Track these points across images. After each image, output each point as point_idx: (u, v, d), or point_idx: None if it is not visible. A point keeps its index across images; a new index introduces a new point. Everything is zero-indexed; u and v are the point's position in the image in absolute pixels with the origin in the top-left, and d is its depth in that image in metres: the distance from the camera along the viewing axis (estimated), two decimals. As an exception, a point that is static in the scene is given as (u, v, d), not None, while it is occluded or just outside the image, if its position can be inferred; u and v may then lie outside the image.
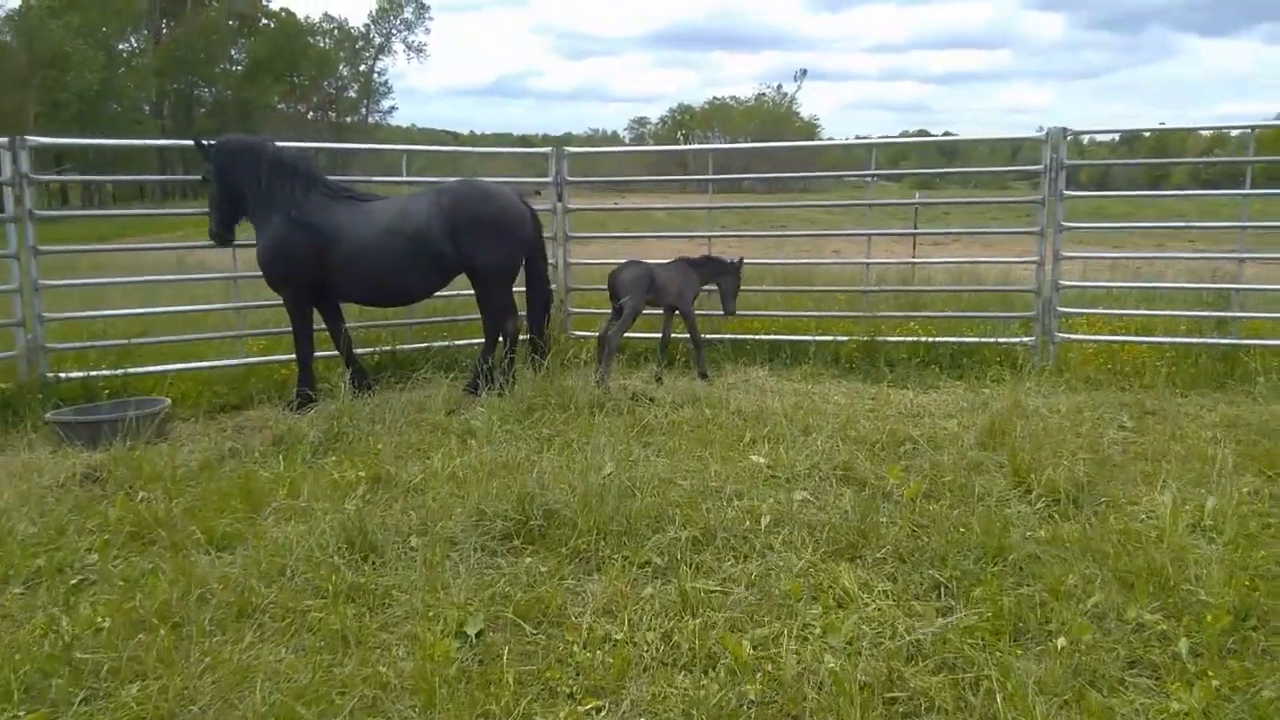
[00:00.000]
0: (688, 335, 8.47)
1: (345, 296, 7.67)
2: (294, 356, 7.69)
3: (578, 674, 3.39)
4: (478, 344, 8.65)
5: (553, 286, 8.77)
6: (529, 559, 4.32)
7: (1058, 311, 8.65)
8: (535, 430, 6.49)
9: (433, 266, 7.44)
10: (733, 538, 4.50)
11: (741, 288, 8.53)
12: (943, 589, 3.95)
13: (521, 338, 7.97)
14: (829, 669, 3.28)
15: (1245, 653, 3.38)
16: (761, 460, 5.69)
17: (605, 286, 10.08)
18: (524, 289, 8.04)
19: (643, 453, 5.96)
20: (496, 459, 5.72)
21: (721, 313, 8.56)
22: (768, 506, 4.85)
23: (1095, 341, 8.57)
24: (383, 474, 5.52)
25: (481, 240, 7.41)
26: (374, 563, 4.28)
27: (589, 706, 3.18)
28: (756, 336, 9.24)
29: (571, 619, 3.80)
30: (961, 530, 4.45)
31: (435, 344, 8.83)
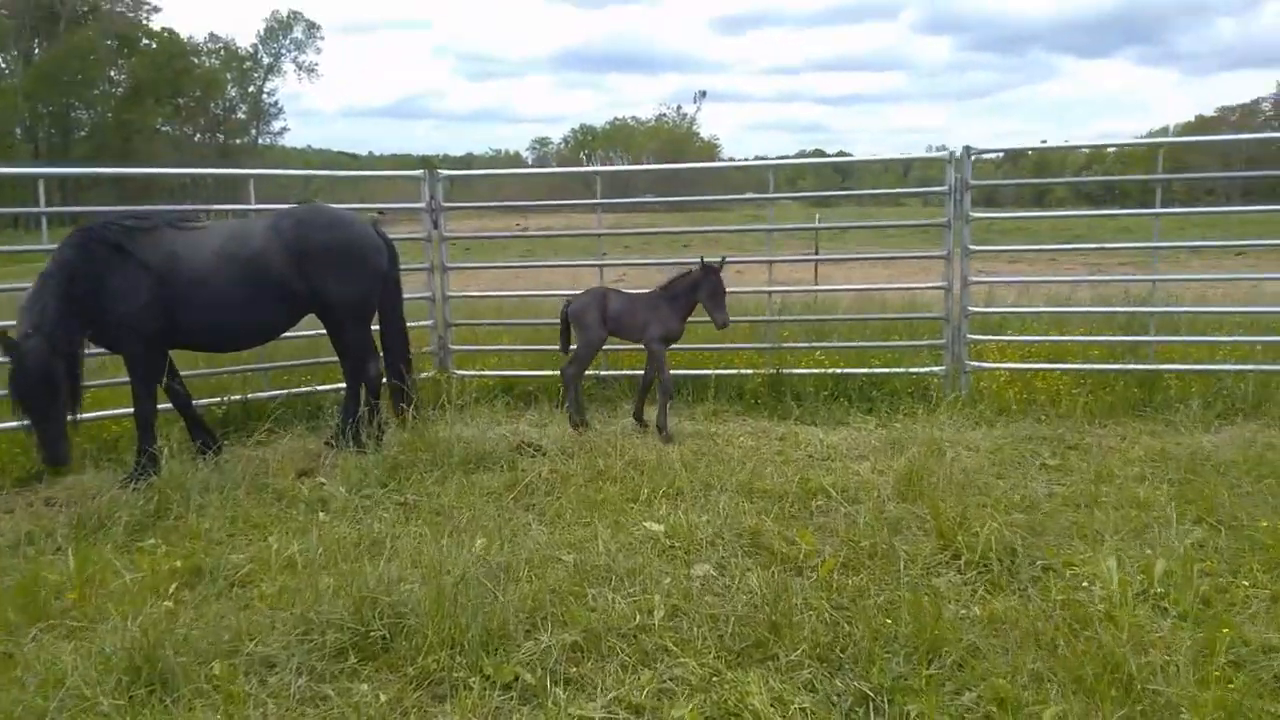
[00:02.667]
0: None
1: (190, 338, 6.49)
2: (129, 412, 6.56)
3: None
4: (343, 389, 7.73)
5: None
6: (364, 685, 3.46)
7: (967, 339, 8.20)
8: (400, 495, 5.62)
9: (275, 298, 6.40)
10: (620, 639, 3.73)
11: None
12: (870, 704, 3.25)
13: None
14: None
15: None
16: (658, 527, 4.95)
17: (491, 321, 9.25)
18: (379, 327, 7.07)
19: (523, 519, 5.17)
20: (348, 538, 4.84)
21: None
22: (663, 590, 4.11)
23: (1008, 369, 8.13)
24: (204, 564, 4.58)
25: (332, 271, 6.46)
26: (162, 700, 3.36)
27: None
28: (655, 372, 8.52)
29: (411, 773, 2.97)
30: (888, 619, 3.78)
31: (294, 390, 7.84)
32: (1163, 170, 8.36)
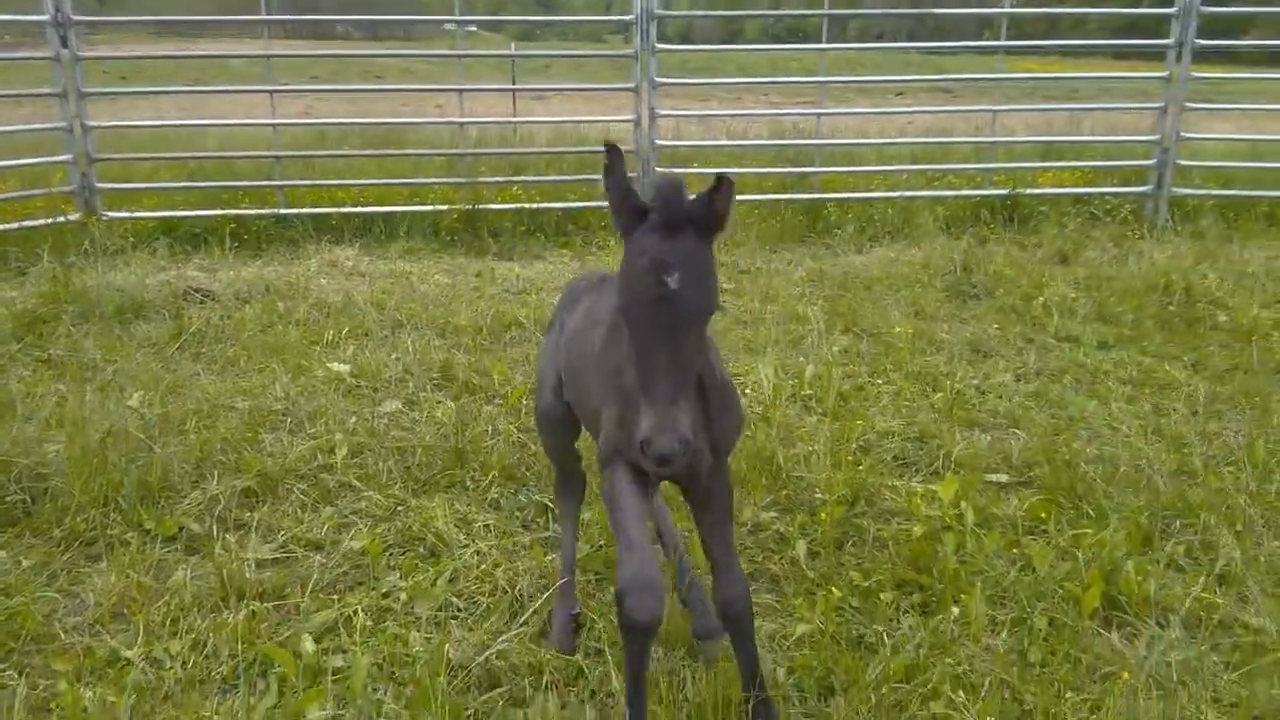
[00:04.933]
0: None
1: None
2: None
3: (61, 725, 2.40)
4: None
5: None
6: (2, 552, 3.12)
7: (655, 173, 8.43)
8: (40, 351, 4.99)
9: None
10: (299, 480, 3.61)
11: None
12: (550, 513, 3.41)
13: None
14: (417, 654, 2.61)
15: (860, 545, 3.22)
16: (344, 368, 4.78)
17: (144, 155, 8.26)
18: None
19: (190, 369, 4.79)
20: (-25, 400, 4.25)
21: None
22: (347, 430, 4.01)
23: (692, 201, 8.48)
24: None
25: None
26: None
27: (71, 784, 2.24)
28: (343, 210, 8.05)
29: (61, 637, 2.75)
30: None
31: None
32: (830, 7, 8.82)
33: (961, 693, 2.46)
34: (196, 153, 8.85)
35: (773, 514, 3.40)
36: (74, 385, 4.25)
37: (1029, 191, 8.53)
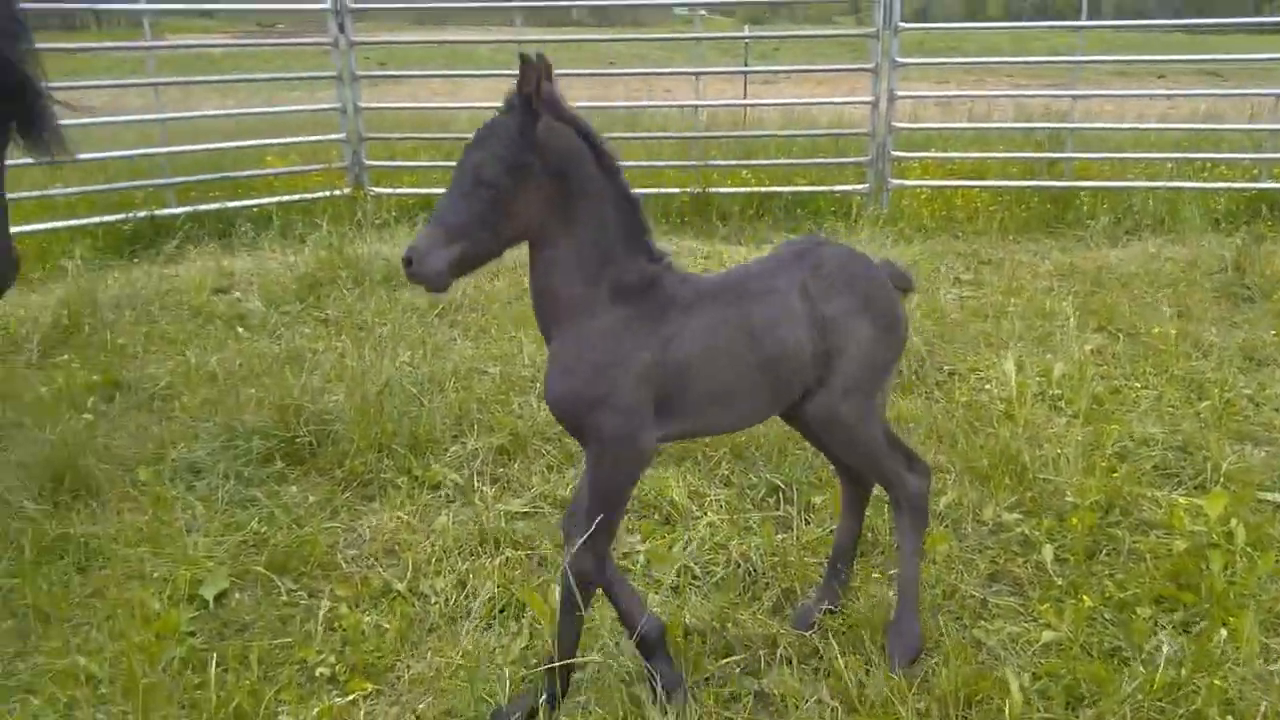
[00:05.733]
0: None
1: None
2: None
3: (344, 646, 2.69)
4: (253, 205, 7.48)
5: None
6: (293, 487, 3.53)
7: (892, 156, 8.21)
8: (319, 311, 5.55)
9: None
10: (546, 442, 3.84)
11: None
12: (780, 494, 3.44)
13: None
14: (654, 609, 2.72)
15: (1113, 557, 3.04)
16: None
17: (409, 135, 8.87)
18: None
19: (448, 335, 5.17)
20: (268, 352, 4.79)
21: None
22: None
23: (929, 187, 8.21)
24: (121, 378, 4.51)
25: None
26: (89, 505, 3.37)
27: (353, 695, 2.51)
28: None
29: (342, 567, 3.08)
30: (801, 419, 3.94)
31: (203, 206, 7.50)
32: (1093, -17, 8.23)
33: (1230, 718, 2.28)
34: (451, 134, 9.49)
35: (1017, 515, 3.26)
36: (351, 342, 4.71)
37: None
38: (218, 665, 2.47)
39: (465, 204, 2.04)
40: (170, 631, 2.68)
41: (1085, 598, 2.71)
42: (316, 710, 2.42)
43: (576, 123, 2.11)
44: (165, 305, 5.64)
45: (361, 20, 8.21)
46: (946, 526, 3.20)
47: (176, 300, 5.71)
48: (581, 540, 2.20)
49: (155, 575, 2.99)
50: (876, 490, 2.82)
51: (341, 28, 7.94)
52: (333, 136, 8.19)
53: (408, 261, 2.04)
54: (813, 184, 8.40)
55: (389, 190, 8.14)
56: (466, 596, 2.88)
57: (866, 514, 2.83)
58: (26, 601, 2.87)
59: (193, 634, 2.74)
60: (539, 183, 2.06)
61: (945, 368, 4.69)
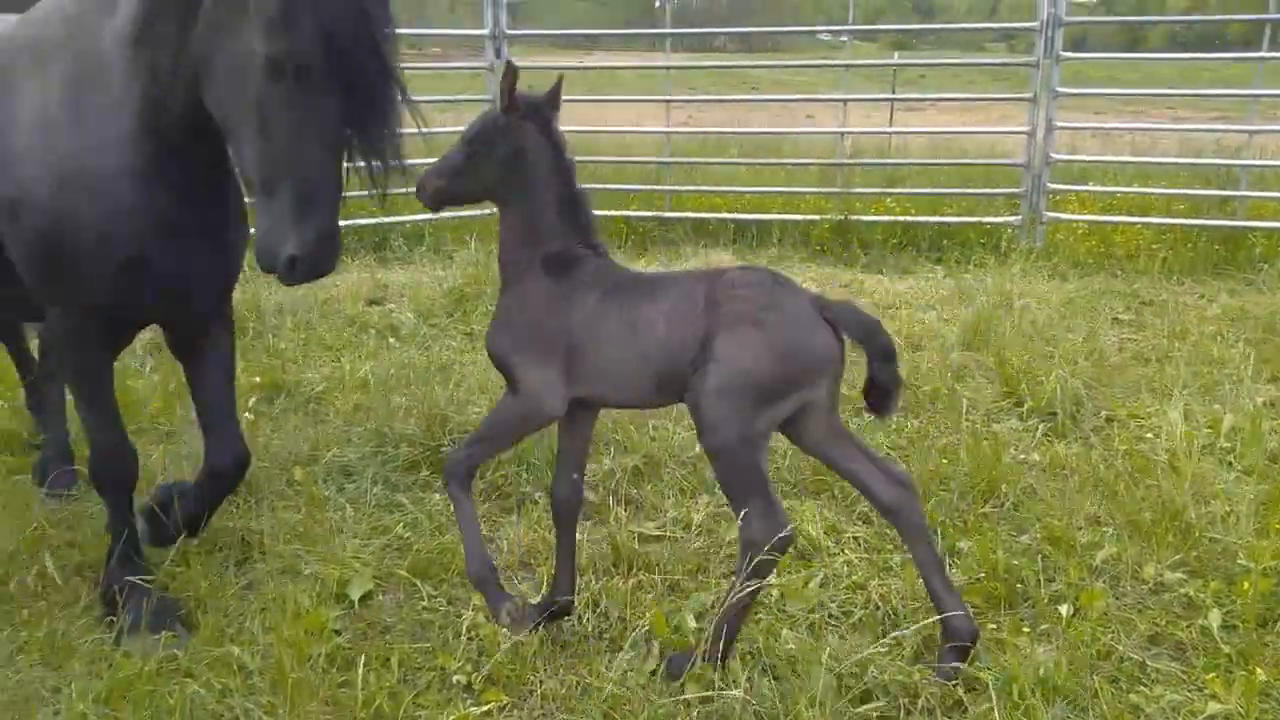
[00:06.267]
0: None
1: None
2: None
3: (480, 654, 2.74)
4: (406, 221, 7.80)
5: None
6: (437, 495, 3.63)
7: (1047, 188, 7.89)
8: (465, 325, 5.73)
9: None
10: (680, 466, 3.84)
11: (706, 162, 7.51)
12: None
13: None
14: (785, 651, 2.66)
15: (1290, 628, 2.80)
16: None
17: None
18: None
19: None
20: (417, 362, 4.98)
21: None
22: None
23: (1087, 222, 7.84)
24: (281, 381, 4.77)
25: None
26: (248, 500, 3.57)
27: (488, 705, 2.55)
28: (720, 216, 8.41)
29: (480, 576, 3.14)
30: (945, 460, 3.81)
31: (359, 221, 7.88)
32: (1276, 10, 7.71)
33: None
34: (593, 157, 9.67)
35: (1180, 575, 3.05)
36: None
37: None
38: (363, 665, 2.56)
39: (453, 155, 2.65)
40: (318, 628, 2.78)
41: (1258, 669, 2.50)
42: (453, 717, 2.48)
43: (540, 121, 2.60)
44: (323, 314, 5.95)
45: (512, 44, 8.48)
46: (1104, 583, 3.02)
47: (334, 309, 6.02)
48: (460, 447, 2.75)
49: (306, 573, 3.13)
50: (1004, 536, 2.68)
51: (498, 53, 8.23)
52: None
53: (419, 188, 2.67)
54: (961, 214, 8.16)
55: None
56: (598, 616, 2.90)
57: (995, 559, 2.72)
58: (185, 592, 3.05)
59: (338, 632, 2.85)
60: (498, 156, 2.60)
61: (1103, 413, 4.45)
